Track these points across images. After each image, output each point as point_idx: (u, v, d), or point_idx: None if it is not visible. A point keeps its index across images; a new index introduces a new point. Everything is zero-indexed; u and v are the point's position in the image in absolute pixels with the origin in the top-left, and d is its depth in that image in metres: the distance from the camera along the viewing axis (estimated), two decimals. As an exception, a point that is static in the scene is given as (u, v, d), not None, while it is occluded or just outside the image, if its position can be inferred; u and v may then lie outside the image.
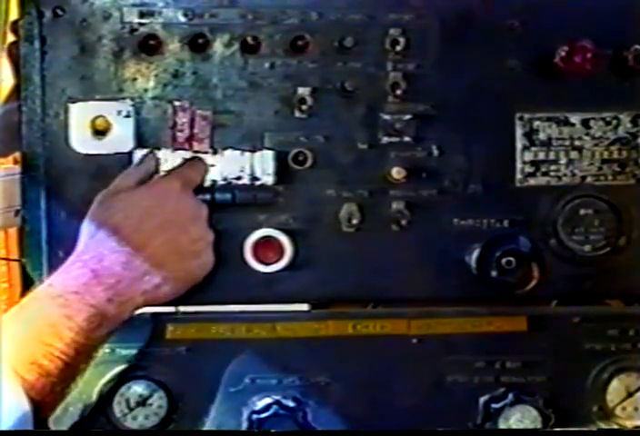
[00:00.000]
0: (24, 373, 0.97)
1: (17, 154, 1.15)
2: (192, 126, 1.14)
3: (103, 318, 1.03)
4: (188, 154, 1.14)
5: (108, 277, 1.04)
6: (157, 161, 1.13)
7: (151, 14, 1.13)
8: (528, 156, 1.17)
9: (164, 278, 1.07)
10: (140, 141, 1.14)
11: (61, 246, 1.13)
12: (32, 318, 1.00)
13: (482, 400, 1.18)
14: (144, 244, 1.06)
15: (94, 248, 1.05)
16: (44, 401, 0.98)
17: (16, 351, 0.98)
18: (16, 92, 1.13)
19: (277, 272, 1.14)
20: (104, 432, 1.16)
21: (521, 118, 1.16)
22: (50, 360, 0.99)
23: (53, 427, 1.13)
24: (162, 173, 1.13)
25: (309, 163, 1.14)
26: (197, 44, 1.13)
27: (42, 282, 1.07)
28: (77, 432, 1.15)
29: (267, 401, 1.15)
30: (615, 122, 1.17)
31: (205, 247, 1.11)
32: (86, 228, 1.07)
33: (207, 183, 1.14)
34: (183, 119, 1.14)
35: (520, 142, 1.16)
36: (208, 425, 1.15)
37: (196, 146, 1.14)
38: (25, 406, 0.95)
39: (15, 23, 1.12)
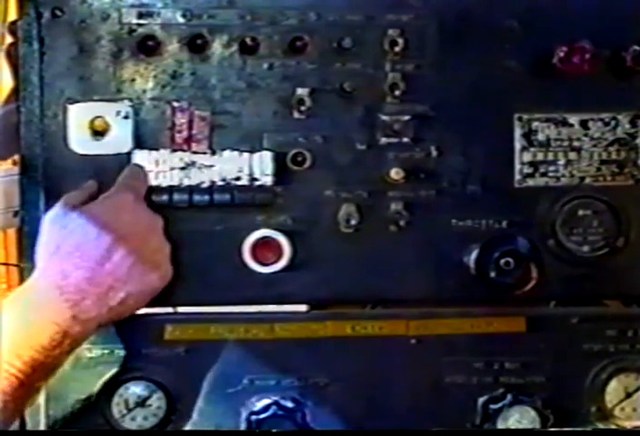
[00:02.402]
0: None
1: (16, 155, 1.15)
2: (190, 127, 1.14)
3: (65, 336, 1.01)
4: (187, 155, 1.14)
5: (74, 294, 1.02)
6: (100, 188, 1.12)
7: (149, 14, 1.13)
8: (527, 157, 1.17)
9: (127, 292, 1.05)
10: (139, 142, 1.14)
11: (60, 247, 1.13)
12: None
13: (480, 400, 1.18)
14: (105, 258, 1.04)
15: (57, 265, 1.03)
16: None
17: None
18: (15, 93, 1.13)
19: (276, 272, 1.14)
20: (103, 432, 1.16)
21: (519, 119, 1.16)
22: (5, 377, 0.97)
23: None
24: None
25: (308, 163, 1.14)
26: (196, 45, 1.13)
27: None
28: (77, 432, 1.15)
29: (266, 401, 1.15)
30: (613, 122, 1.17)
31: (165, 258, 1.10)
32: (44, 247, 1.05)
33: (206, 184, 1.14)
34: (181, 120, 1.14)
35: (519, 142, 1.17)
36: (206, 426, 1.16)
37: (195, 147, 1.14)
38: None
39: (13, 23, 1.12)
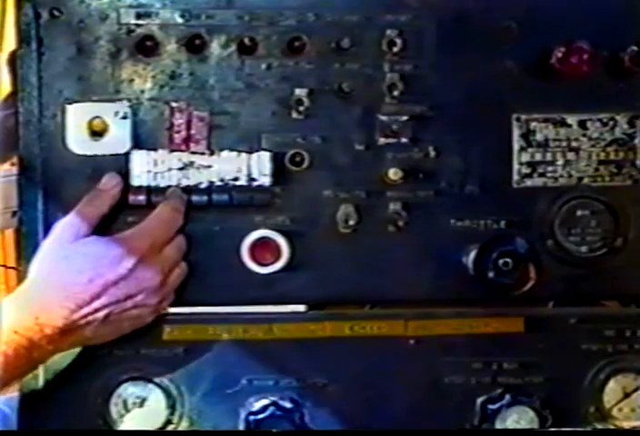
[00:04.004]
0: None
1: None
2: (189, 127, 1.14)
3: (30, 357, 1.03)
4: (185, 156, 1.14)
5: (50, 327, 1.04)
6: None
7: (148, 15, 1.13)
8: (525, 157, 1.17)
9: (95, 333, 1.08)
10: (137, 142, 1.14)
11: (58, 247, 1.13)
12: None
13: (479, 401, 1.18)
14: (86, 304, 1.06)
15: (42, 290, 1.06)
16: None
17: None
18: (13, 98, 1.13)
19: (274, 273, 1.14)
20: (103, 432, 1.16)
21: (518, 119, 1.16)
22: None
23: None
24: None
25: (306, 164, 1.14)
26: (194, 46, 1.13)
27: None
28: (77, 432, 1.15)
29: (264, 402, 1.15)
30: (611, 123, 1.17)
31: (149, 311, 1.11)
32: (38, 265, 1.08)
33: (204, 185, 1.14)
34: (180, 120, 1.14)
35: (517, 143, 1.17)
36: (205, 426, 1.16)
37: (193, 147, 1.14)
38: None
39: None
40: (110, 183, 1.12)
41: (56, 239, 1.09)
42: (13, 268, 1.19)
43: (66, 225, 1.10)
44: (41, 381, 1.14)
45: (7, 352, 1.01)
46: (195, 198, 1.13)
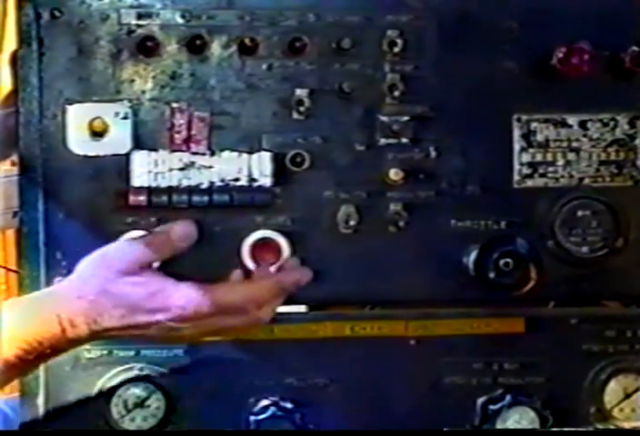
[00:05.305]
0: None
1: (15, 156, 1.15)
2: (189, 128, 1.14)
3: (32, 360, 1.04)
4: (186, 156, 1.14)
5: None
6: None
7: (149, 15, 1.12)
8: (526, 158, 1.17)
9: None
10: (138, 142, 1.13)
11: (58, 247, 1.13)
12: None
13: (479, 401, 1.18)
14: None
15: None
16: None
17: None
18: (14, 97, 1.13)
19: (275, 273, 1.15)
20: (103, 432, 1.16)
21: (518, 119, 1.16)
22: None
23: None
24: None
25: (307, 164, 1.14)
26: (195, 46, 1.13)
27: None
28: (77, 432, 1.15)
29: (265, 402, 1.16)
30: (612, 123, 1.17)
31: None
32: (77, 286, 1.07)
33: (205, 185, 1.14)
34: (180, 121, 1.14)
35: (517, 143, 1.17)
36: (205, 427, 1.16)
37: (194, 148, 1.14)
38: None
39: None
40: (182, 234, 1.12)
41: (110, 260, 1.07)
42: (14, 271, 1.18)
43: (128, 252, 1.08)
44: (41, 382, 1.14)
45: (10, 357, 1.01)
46: (195, 198, 1.13)
